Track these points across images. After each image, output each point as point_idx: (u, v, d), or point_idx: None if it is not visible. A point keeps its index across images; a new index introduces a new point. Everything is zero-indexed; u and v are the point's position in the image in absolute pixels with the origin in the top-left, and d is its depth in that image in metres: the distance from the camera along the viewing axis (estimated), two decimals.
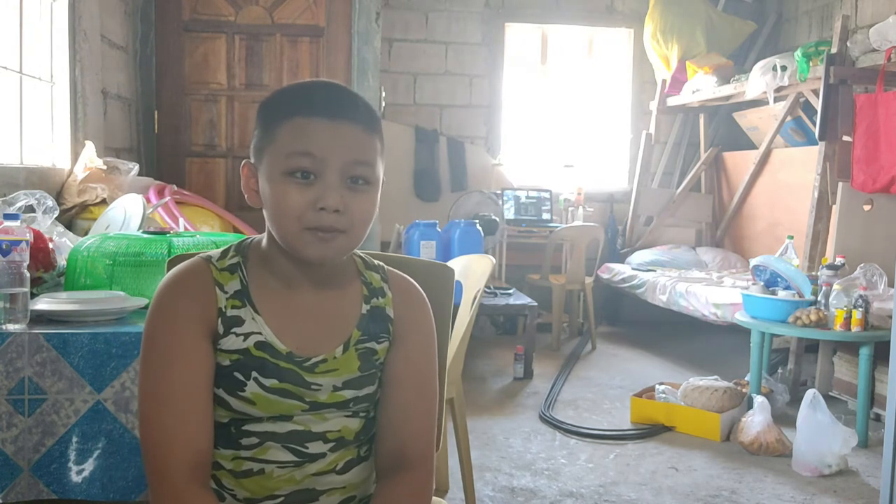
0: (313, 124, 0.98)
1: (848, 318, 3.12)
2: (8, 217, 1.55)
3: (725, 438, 3.15)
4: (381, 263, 1.16)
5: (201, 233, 2.29)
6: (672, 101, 5.56)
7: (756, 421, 3.02)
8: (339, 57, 4.31)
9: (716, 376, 3.40)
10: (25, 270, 1.50)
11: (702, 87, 5.16)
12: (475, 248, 4.22)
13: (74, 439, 1.46)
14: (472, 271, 2.26)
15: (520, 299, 4.27)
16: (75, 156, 3.24)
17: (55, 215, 2.34)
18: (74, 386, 1.47)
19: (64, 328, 1.51)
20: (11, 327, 1.47)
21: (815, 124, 4.19)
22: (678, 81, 5.47)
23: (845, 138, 3.82)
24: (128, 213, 2.44)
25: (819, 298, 3.31)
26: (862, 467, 2.88)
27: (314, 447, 1.04)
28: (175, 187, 3.35)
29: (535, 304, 4.20)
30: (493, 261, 2.31)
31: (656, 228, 5.77)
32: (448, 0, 5.64)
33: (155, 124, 4.25)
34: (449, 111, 5.72)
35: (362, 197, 1.01)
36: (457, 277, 1.74)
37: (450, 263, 1.44)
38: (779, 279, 3.40)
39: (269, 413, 1.02)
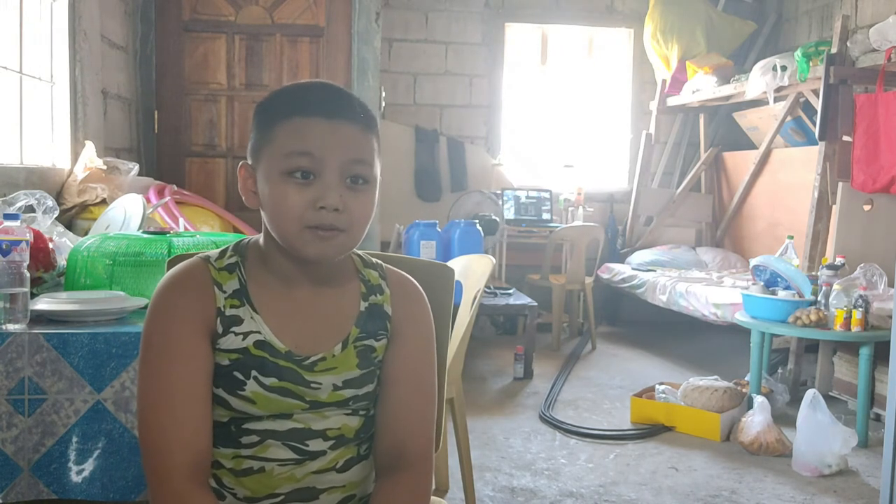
0: (312, 124, 0.99)
1: (848, 318, 3.12)
2: (8, 217, 1.55)
3: (725, 438, 3.15)
4: (379, 261, 1.16)
5: (201, 233, 2.29)
6: (672, 101, 5.56)
7: (756, 421, 3.02)
8: (339, 57, 4.31)
9: (716, 376, 3.40)
10: (25, 270, 1.50)
11: (702, 87, 5.16)
12: (475, 248, 4.22)
13: (74, 439, 1.46)
14: (472, 271, 2.26)
15: (520, 299, 4.27)
16: (75, 156, 3.24)
17: (55, 215, 2.34)
18: (74, 386, 1.47)
19: (64, 328, 1.51)
20: (11, 327, 1.47)
21: (815, 124, 4.19)
22: (678, 81, 5.47)
23: (845, 138, 3.82)
24: (128, 213, 2.44)
25: (819, 298, 3.31)
26: (862, 467, 2.88)
27: (314, 445, 1.05)
28: (175, 187, 3.35)
29: (535, 304, 4.20)
30: (493, 261, 2.31)
31: (656, 228, 5.77)
32: (448, 0, 5.64)
33: (155, 124, 4.25)
34: (449, 111, 5.73)
35: (361, 196, 1.01)
36: (457, 277, 1.74)
37: (450, 263, 1.44)
38: (779, 279, 3.40)
39: (269, 412, 1.02)
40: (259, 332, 1.03)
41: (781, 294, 3.33)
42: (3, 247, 1.45)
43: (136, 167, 3.20)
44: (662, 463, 2.92)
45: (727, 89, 4.94)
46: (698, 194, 5.88)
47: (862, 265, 3.51)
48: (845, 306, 3.15)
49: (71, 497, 1.46)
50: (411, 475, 1.08)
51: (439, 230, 4.30)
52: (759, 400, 3.08)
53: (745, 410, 3.19)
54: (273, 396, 1.02)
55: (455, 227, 4.35)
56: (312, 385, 1.04)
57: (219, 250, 1.08)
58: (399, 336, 1.11)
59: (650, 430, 3.25)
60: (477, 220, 4.59)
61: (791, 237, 3.69)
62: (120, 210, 2.50)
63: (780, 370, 3.88)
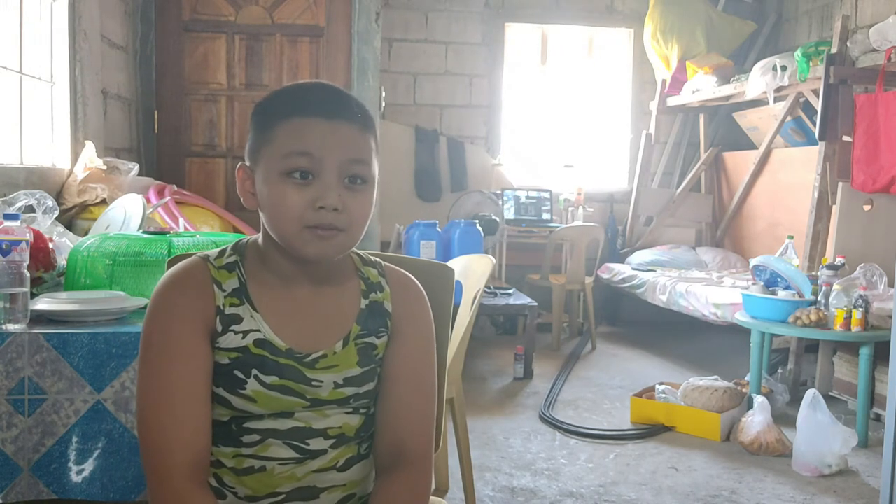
0: (310, 124, 0.99)
1: (848, 318, 3.12)
2: (8, 217, 1.55)
3: (725, 438, 3.15)
4: (378, 260, 1.17)
5: (201, 233, 2.29)
6: (672, 101, 5.56)
7: (756, 421, 3.02)
8: (339, 57, 4.31)
9: (716, 376, 3.40)
10: (25, 270, 1.50)
11: (702, 87, 5.16)
12: (475, 248, 4.22)
13: (74, 439, 1.46)
14: (472, 271, 2.26)
15: (520, 299, 4.27)
16: (75, 156, 3.24)
17: (55, 215, 2.34)
18: (74, 386, 1.47)
19: (64, 328, 1.51)
20: (11, 327, 1.47)
21: (815, 124, 4.19)
22: (678, 81, 5.47)
23: (845, 138, 3.82)
24: (128, 213, 2.44)
25: (819, 298, 3.31)
26: (862, 467, 2.88)
27: (315, 444, 1.05)
28: (175, 187, 3.35)
29: (535, 304, 4.20)
30: (493, 261, 2.31)
31: (656, 228, 5.77)
32: (448, 0, 5.64)
33: (155, 124, 4.25)
34: (449, 111, 5.73)
35: (360, 195, 1.01)
36: (457, 277, 1.74)
37: (450, 263, 1.44)
38: (779, 279, 3.40)
39: (270, 410, 1.02)
40: (259, 331, 1.03)
41: (781, 294, 3.33)
42: (3, 247, 1.45)
43: (136, 167, 3.20)
44: (662, 463, 2.92)
45: (727, 89, 4.94)
46: (698, 194, 5.88)
47: (862, 265, 3.51)
48: (845, 306, 3.15)
49: (71, 497, 1.46)
50: (411, 474, 1.08)
51: (439, 230, 4.30)
52: (759, 400, 3.08)
53: (745, 410, 3.19)
54: (274, 395, 1.02)
55: (455, 227, 4.35)
56: (313, 383, 1.04)
57: (218, 250, 1.08)
58: (399, 334, 1.11)
59: (650, 430, 3.25)
60: (477, 220, 4.59)
61: (791, 237, 3.69)
62: (120, 210, 2.50)
63: (780, 370, 3.88)
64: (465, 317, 2.25)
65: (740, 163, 5.56)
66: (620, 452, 3.02)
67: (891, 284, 3.50)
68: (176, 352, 0.99)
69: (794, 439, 2.87)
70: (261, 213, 1.03)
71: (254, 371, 1.01)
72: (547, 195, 5.51)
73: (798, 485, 2.73)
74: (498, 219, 4.98)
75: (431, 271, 1.31)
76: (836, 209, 3.86)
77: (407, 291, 1.14)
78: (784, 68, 4.31)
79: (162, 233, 1.97)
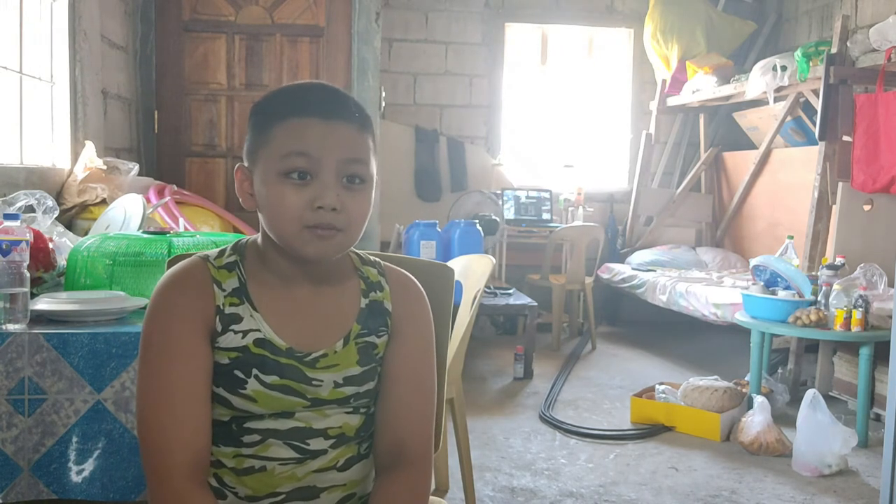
0: (308, 125, 0.99)
1: (848, 318, 3.12)
2: (8, 217, 1.55)
3: (725, 438, 3.15)
4: (378, 259, 1.17)
5: (201, 233, 2.29)
6: (672, 101, 5.56)
7: (756, 421, 3.02)
8: (339, 57, 4.31)
9: (716, 376, 3.40)
10: (25, 270, 1.50)
11: (702, 87, 5.16)
12: (475, 248, 4.22)
13: (74, 439, 1.46)
14: (472, 271, 2.26)
15: (520, 299, 4.27)
16: (75, 156, 3.24)
17: (55, 215, 2.34)
18: (74, 386, 1.47)
19: (64, 328, 1.51)
20: (11, 327, 1.47)
21: (815, 124, 4.19)
22: (678, 81, 5.47)
23: (845, 138, 3.82)
24: (128, 213, 2.44)
25: (819, 298, 3.31)
26: (862, 467, 2.88)
27: (315, 444, 1.05)
28: (175, 187, 3.35)
29: (535, 304, 4.20)
30: (493, 261, 2.31)
31: (656, 228, 5.77)
32: (448, 0, 5.64)
33: (155, 124, 4.24)
34: (449, 111, 5.73)
35: (358, 195, 1.02)
36: (457, 277, 1.74)
37: (450, 263, 1.44)
38: (779, 279, 3.40)
39: (270, 410, 1.02)
40: (259, 331, 1.03)
41: (781, 294, 3.33)
42: (3, 247, 1.45)
43: (136, 167, 3.20)
44: (662, 463, 2.92)
45: (727, 89, 4.94)
46: (698, 194, 5.88)
47: (862, 265, 3.51)
48: (845, 306, 3.15)
49: (71, 497, 1.46)
50: (411, 474, 1.08)
51: (439, 230, 4.30)
52: (759, 400, 3.08)
53: (745, 410, 3.19)
54: (274, 394, 1.02)
55: (455, 227, 4.35)
56: (314, 382, 1.04)
57: (217, 250, 1.09)
58: (399, 334, 1.11)
59: (650, 430, 3.25)
60: (477, 220, 4.59)
61: (791, 237, 3.69)
62: (120, 210, 2.50)
63: (780, 370, 3.88)
64: (465, 317, 2.25)
65: (740, 163, 5.56)
66: (620, 452, 3.02)
67: (891, 284, 3.50)
68: (176, 352, 0.99)
69: (794, 439, 2.87)
70: (259, 214, 1.03)
71: (254, 371, 1.01)
72: (547, 195, 5.51)
73: (798, 485, 2.73)
74: (498, 219, 4.98)
75: (431, 271, 1.31)
76: (836, 209, 3.86)
77: (407, 291, 1.14)
78: (784, 68, 4.31)
79: (162, 233, 1.97)
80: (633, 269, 5.16)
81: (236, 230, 3.35)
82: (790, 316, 3.24)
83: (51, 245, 1.93)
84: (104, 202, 2.93)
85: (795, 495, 2.64)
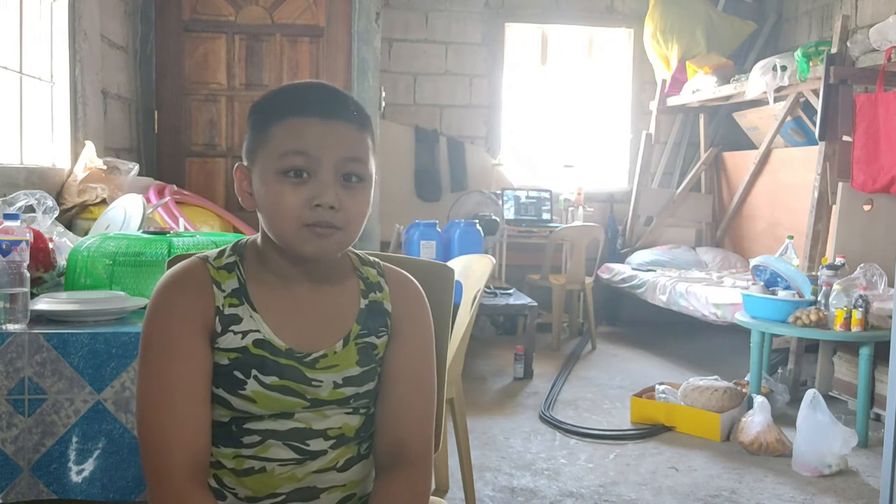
0: (306, 123, 1.00)
1: (848, 318, 3.12)
2: (8, 217, 1.55)
3: (725, 438, 3.15)
4: (377, 260, 1.17)
5: (201, 233, 2.29)
6: (672, 101, 5.56)
7: (756, 421, 3.02)
8: (339, 57, 4.31)
9: (716, 376, 3.40)
10: (25, 270, 1.50)
11: (702, 87, 5.16)
12: (475, 248, 4.22)
13: (74, 439, 1.46)
14: (472, 271, 2.26)
15: (520, 299, 4.27)
16: (75, 156, 3.24)
17: (55, 215, 2.34)
18: (74, 386, 1.47)
19: (64, 328, 1.51)
20: (11, 327, 1.47)
21: (815, 124, 4.19)
22: (678, 81, 5.47)
23: (845, 138, 3.82)
24: (128, 213, 2.44)
25: (819, 298, 3.31)
26: (862, 467, 2.88)
27: (315, 444, 1.05)
28: (175, 187, 3.35)
29: (535, 304, 4.20)
30: (493, 261, 2.31)
31: (656, 228, 5.77)
32: (448, 0, 5.64)
33: (155, 124, 4.24)
34: (449, 111, 5.73)
35: (356, 194, 1.02)
36: (457, 277, 1.74)
37: (450, 263, 1.44)
38: (779, 279, 3.40)
39: (270, 411, 1.02)
40: (258, 331, 1.03)
41: (781, 294, 3.33)
42: (3, 247, 1.45)
43: (136, 167, 3.20)
44: (662, 463, 2.92)
45: (727, 89, 4.94)
46: (698, 194, 5.88)
47: (862, 265, 3.51)
48: (845, 306, 3.15)
49: (71, 497, 1.46)
50: (411, 474, 1.08)
51: (439, 230, 4.30)
52: (759, 400, 3.08)
53: (745, 410, 3.19)
54: (274, 395, 1.02)
55: (455, 227, 4.35)
56: (313, 383, 1.04)
57: (217, 250, 1.09)
58: (399, 334, 1.11)
59: (650, 430, 3.25)
60: (477, 220, 4.59)
61: (791, 237, 3.69)
62: (120, 210, 2.50)
63: (780, 370, 3.88)
64: (465, 317, 2.25)
65: (740, 163, 5.56)
66: (620, 452, 3.02)
67: (891, 284, 3.50)
68: (175, 352, 0.99)
69: (794, 439, 2.87)
70: (259, 214, 1.03)
71: (253, 371, 1.01)
72: (547, 195, 5.51)
73: (798, 485, 2.73)
74: (498, 219, 4.98)
75: (431, 271, 1.31)
76: (836, 209, 3.86)
77: (406, 291, 1.14)
78: (784, 68, 4.31)
79: (162, 233, 1.97)
80: (633, 269, 5.16)
81: (236, 230, 3.35)
82: (790, 316, 3.24)
83: (51, 245, 1.93)
84: (104, 202, 2.93)
85: (795, 495, 2.64)
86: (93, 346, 1.48)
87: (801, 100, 4.71)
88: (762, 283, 3.47)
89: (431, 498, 1.18)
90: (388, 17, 5.39)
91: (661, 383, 3.50)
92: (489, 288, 4.35)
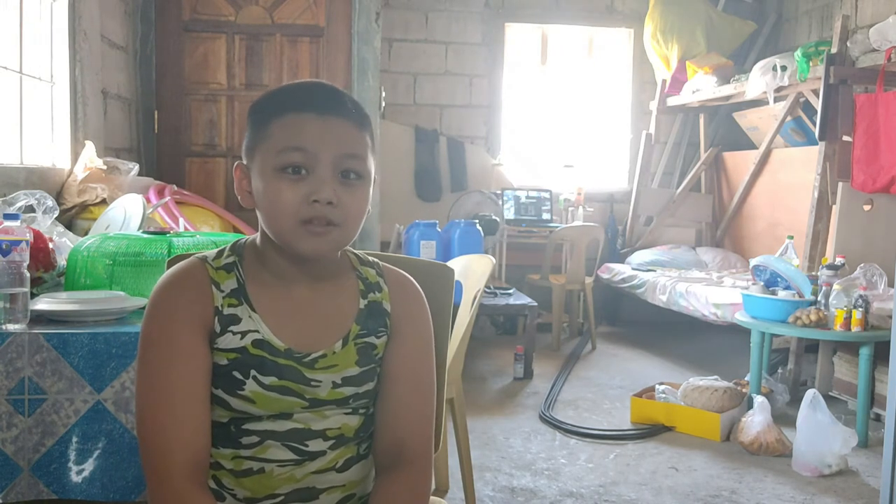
0: (305, 120, 1.00)
1: (848, 318, 3.12)
2: (8, 217, 1.55)
3: (725, 438, 3.15)
4: (376, 260, 1.17)
5: (201, 233, 2.29)
6: (672, 101, 5.56)
7: (756, 421, 3.02)
8: (339, 57, 4.31)
9: (716, 376, 3.40)
10: (25, 270, 1.50)
11: (702, 87, 5.16)
12: (475, 248, 4.22)
13: (74, 439, 1.46)
14: (472, 271, 2.26)
15: (520, 299, 4.27)
16: (75, 156, 3.24)
17: (55, 215, 2.34)
18: (74, 386, 1.47)
19: (64, 328, 1.51)
20: (11, 327, 1.47)
21: (815, 124, 4.19)
22: (678, 81, 5.47)
23: (845, 138, 3.82)
24: (128, 213, 2.44)
25: (819, 298, 3.31)
26: (862, 467, 2.88)
27: (314, 445, 1.05)
28: (175, 187, 3.35)
29: (535, 304, 4.20)
30: (493, 261, 2.31)
31: (656, 228, 5.77)
32: (448, 0, 5.64)
33: (155, 124, 4.24)
34: (449, 111, 5.73)
35: (354, 191, 1.02)
36: (457, 277, 1.74)
37: (450, 263, 1.44)
38: (779, 279, 3.40)
39: (269, 411, 1.02)
40: (257, 332, 1.03)
41: (781, 294, 3.33)
42: (3, 247, 1.45)
43: (136, 167, 3.20)
44: (662, 463, 2.92)
45: (727, 89, 4.94)
46: (698, 194, 5.88)
47: (862, 265, 3.51)
48: (845, 306, 3.15)
49: (71, 497, 1.46)
50: (410, 474, 1.08)
51: (439, 230, 4.30)
52: (759, 400, 3.08)
53: (745, 410, 3.19)
54: (273, 395, 1.02)
55: (455, 227, 4.35)
56: (312, 383, 1.04)
57: (216, 250, 1.09)
58: (398, 334, 1.11)
59: (650, 430, 3.25)
60: (477, 220, 4.59)
61: (791, 237, 3.69)
62: (120, 210, 2.50)
63: (780, 370, 3.88)
64: (465, 317, 2.25)
65: (740, 163, 5.56)
66: (620, 452, 3.02)
67: (891, 284, 3.50)
68: (175, 352, 0.99)
69: (794, 439, 2.87)
70: (258, 212, 1.03)
71: (252, 372, 1.01)
72: (547, 195, 5.51)
73: (798, 485, 2.73)
74: (498, 219, 4.98)
75: (431, 271, 1.31)
76: (836, 209, 3.86)
77: (405, 291, 1.14)
78: (784, 68, 4.31)
79: (162, 233, 1.97)
80: (633, 269, 5.16)
81: (236, 230, 3.35)
82: (790, 316, 3.24)
83: (51, 245, 1.93)
84: (104, 202, 2.93)
85: (795, 495, 2.64)
86: (93, 346, 1.48)
87: (801, 100, 4.71)
88: (762, 283, 3.47)
89: (431, 498, 1.18)
90: (388, 17, 5.39)
91: (661, 383, 3.50)
92: (489, 288, 4.35)
